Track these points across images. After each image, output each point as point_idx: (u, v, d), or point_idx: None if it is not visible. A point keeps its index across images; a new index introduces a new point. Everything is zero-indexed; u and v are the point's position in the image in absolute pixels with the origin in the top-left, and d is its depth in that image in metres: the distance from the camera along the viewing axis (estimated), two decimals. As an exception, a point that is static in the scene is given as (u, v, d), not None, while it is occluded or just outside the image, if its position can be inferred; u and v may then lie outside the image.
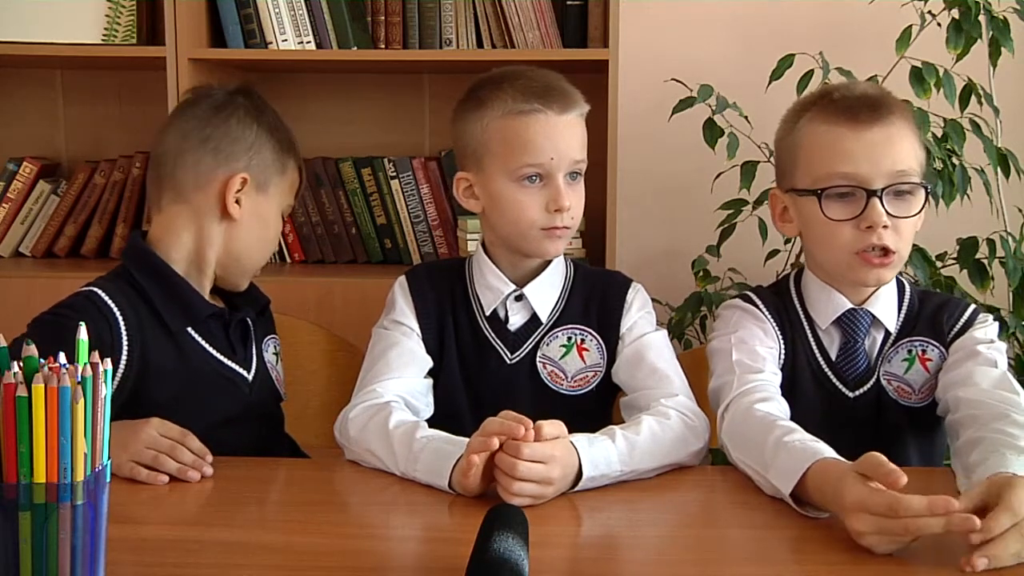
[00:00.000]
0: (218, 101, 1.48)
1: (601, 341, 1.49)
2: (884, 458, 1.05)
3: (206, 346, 1.44)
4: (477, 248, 1.53)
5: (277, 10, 2.11)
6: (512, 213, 1.43)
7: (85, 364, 0.86)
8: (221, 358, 1.45)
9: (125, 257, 1.48)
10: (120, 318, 1.38)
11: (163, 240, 1.46)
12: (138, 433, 1.27)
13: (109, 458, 0.88)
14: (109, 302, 1.38)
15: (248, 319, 1.50)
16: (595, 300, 1.51)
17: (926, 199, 1.40)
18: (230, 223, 1.45)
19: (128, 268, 1.44)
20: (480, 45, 2.16)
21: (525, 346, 1.48)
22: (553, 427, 1.20)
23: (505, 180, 1.43)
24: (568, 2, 2.14)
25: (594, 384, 1.48)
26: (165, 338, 1.41)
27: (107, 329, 1.36)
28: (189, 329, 1.43)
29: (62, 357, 0.87)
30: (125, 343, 1.37)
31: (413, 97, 2.40)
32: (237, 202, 1.44)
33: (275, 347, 1.57)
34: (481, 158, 1.44)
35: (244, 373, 1.47)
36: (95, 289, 1.39)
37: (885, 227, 1.35)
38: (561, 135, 1.42)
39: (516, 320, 1.49)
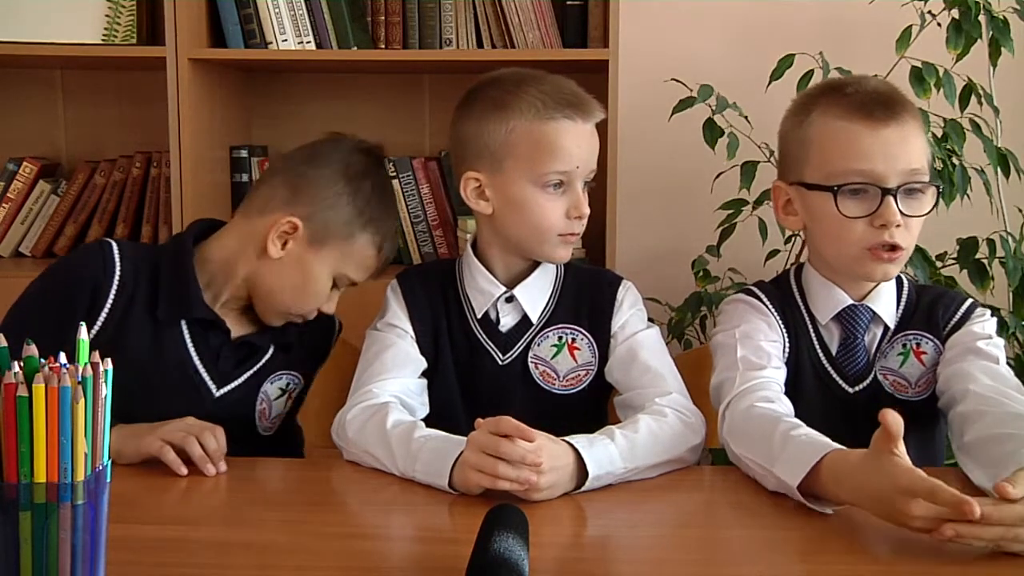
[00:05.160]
0: (336, 149, 1.50)
1: (592, 340, 1.49)
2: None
3: (189, 346, 1.45)
4: (466, 250, 1.53)
5: (277, 10, 2.11)
6: (534, 218, 1.43)
7: (85, 364, 0.86)
8: (196, 362, 1.45)
9: (169, 239, 1.53)
10: (118, 274, 1.42)
11: (218, 237, 1.50)
12: (173, 420, 1.31)
13: (110, 458, 0.88)
14: (116, 257, 1.43)
15: (258, 344, 1.49)
16: (585, 299, 1.51)
17: (938, 198, 1.40)
18: (267, 258, 1.46)
19: (164, 247, 1.49)
20: (480, 45, 2.16)
21: (516, 347, 1.48)
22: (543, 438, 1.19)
23: (528, 184, 1.42)
24: (568, 2, 2.14)
25: (586, 383, 1.48)
26: (150, 320, 1.43)
27: (102, 275, 1.42)
28: (182, 323, 1.44)
29: (62, 357, 0.87)
30: (112, 296, 1.41)
31: (413, 97, 2.40)
32: (285, 244, 1.45)
33: (288, 384, 1.54)
34: (501, 160, 1.43)
35: (211, 386, 1.46)
36: (111, 240, 1.45)
37: (898, 226, 1.35)
38: (588, 143, 1.44)
39: (507, 321, 1.49)
